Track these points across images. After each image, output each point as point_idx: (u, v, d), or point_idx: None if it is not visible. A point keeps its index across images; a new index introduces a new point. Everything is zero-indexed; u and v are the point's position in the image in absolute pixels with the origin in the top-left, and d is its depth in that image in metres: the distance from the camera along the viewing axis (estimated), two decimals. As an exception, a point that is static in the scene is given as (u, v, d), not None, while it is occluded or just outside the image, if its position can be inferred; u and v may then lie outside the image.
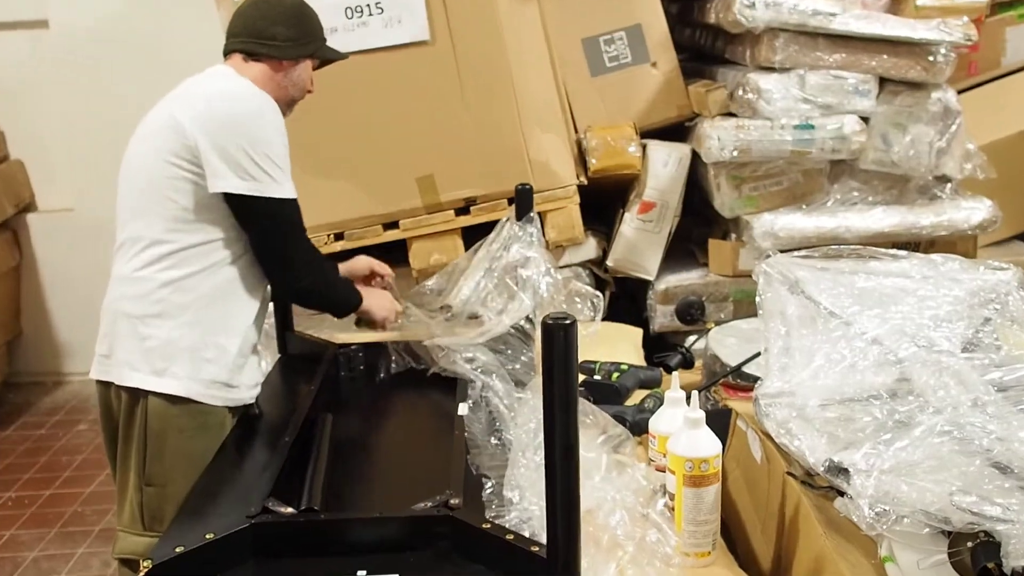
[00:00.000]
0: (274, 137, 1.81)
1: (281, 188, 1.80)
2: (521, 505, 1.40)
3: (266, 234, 1.83)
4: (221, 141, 1.76)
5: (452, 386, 1.85)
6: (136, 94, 4.28)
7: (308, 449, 1.60)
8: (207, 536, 1.28)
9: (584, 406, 1.61)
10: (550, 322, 1.04)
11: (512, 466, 1.47)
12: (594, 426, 1.60)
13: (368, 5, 2.66)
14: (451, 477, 1.43)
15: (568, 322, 1.04)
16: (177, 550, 1.25)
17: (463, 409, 1.71)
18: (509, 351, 2.01)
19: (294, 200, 1.83)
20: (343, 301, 2.03)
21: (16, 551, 3.05)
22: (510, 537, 1.24)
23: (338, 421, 1.75)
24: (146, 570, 1.20)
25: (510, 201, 2.76)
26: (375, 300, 2.08)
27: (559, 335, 1.04)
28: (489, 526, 1.28)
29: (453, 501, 1.33)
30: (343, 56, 2.02)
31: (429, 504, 1.34)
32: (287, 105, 1.93)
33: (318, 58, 1.96)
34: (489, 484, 1.49)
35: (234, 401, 1.88)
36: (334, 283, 2.02)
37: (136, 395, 1.83)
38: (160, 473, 1.84)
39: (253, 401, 1.92)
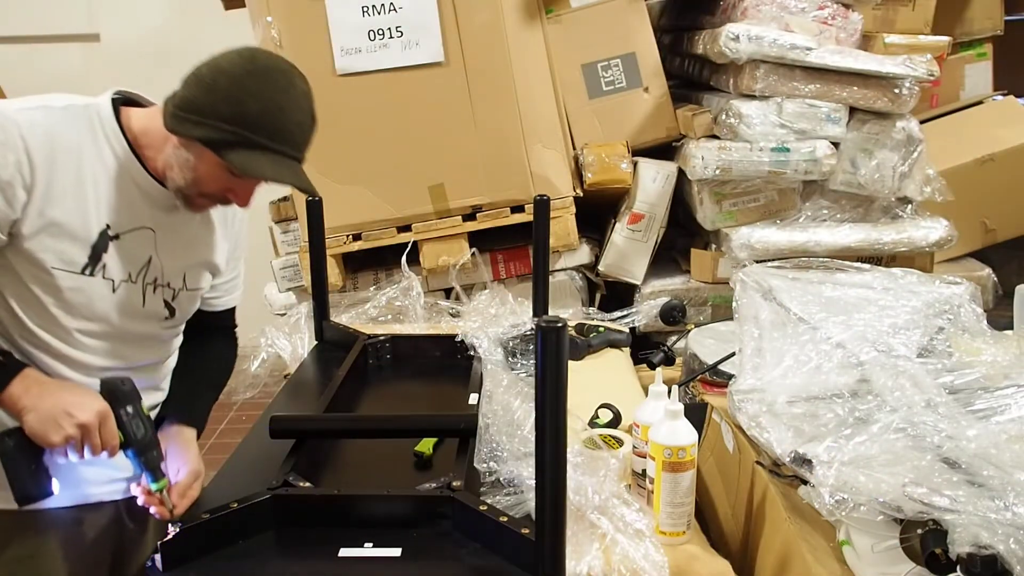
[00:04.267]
0: None
1: None
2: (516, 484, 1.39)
3: None
4: None
5: (467, 378, 1.83)
6: (177, 103, 4.34)
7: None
8: (231, 505, 1.28)
9: None
10: (544, 325, 1.02)
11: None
12: None
13: (389, 28, 2.66)
14: (455, 460, 1.42)
15: (559, 325, 1.03)
16: (203, 516, 1.25)
17: (473, 399, 1.70)
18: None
19: None
20: None
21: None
22: (503, 519, 1.23)
23: (361, 404, 1.74)
24: (174, 532, 1.20)
25: (512, 209, 2.77)
26: (46, 401, 1.30)
27: (551, 337, 1.02)
28: (486, 508, 1.26)
29: (455, 483, 1.32)
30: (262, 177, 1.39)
31: (433, 485, 1.34)
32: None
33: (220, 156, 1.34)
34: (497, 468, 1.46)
35: None
36: None
37: None
38: None
39: None
